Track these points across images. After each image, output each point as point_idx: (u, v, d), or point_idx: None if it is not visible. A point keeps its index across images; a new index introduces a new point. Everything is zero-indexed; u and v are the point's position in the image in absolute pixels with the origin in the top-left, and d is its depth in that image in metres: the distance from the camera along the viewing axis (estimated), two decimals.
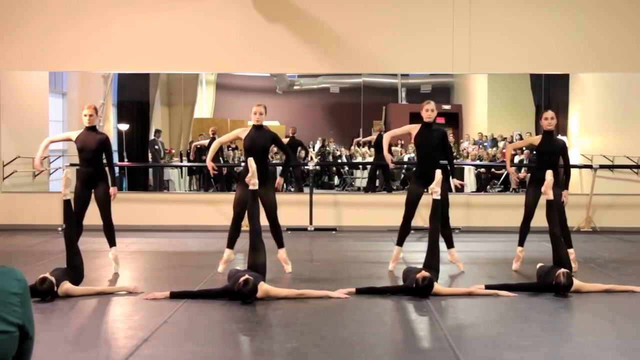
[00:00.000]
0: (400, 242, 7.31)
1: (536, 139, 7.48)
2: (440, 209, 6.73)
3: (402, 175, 16.81)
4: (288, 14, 10.71)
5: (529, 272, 6.87)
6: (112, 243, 7.15)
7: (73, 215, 6.50)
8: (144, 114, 16.00)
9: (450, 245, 7.31)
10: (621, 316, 5.51)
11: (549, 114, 7.39)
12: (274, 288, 5.89)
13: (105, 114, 15.32)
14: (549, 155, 7.28)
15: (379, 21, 10.72)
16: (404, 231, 7.28)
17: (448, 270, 7.11)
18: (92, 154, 6.96)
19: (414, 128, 7.21)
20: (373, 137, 15.54)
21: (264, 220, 6.61)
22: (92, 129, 7.02)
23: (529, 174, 15.59)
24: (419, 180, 7.16)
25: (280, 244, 7.23)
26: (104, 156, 7.13)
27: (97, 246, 8.15)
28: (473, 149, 17.49)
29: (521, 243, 7.49)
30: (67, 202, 6.47)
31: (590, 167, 11.97)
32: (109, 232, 7.13)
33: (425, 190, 6.99)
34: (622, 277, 6.95)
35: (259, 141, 7.04)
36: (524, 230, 7.47)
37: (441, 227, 6.96)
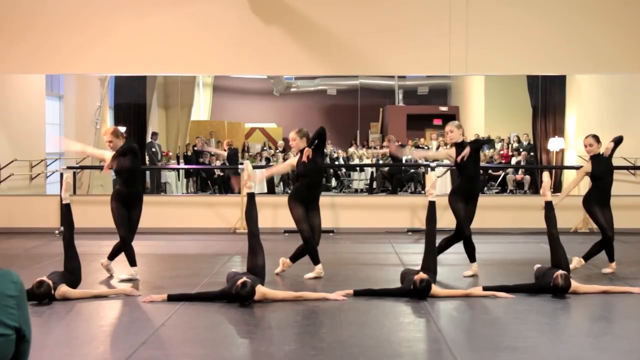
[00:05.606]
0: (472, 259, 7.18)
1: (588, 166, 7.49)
2: (458, 223, 6.95)
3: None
4: (285, 16, 10.71)
5: (527, 274, 6.87)
6: (132, 263, 6.92)
7: (72, 219, 6.48)
8: (141, 116, 15.99)
9: (472, 259, 7.20)
10: (619, 317, 5.52)
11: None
12: (271, 290, 5.89)
13: (102, 117, 15.31)
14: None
15: (376, 23, 10.72)
16: (468, 247, 7.13)
17: (445, 272, 7.11)
18: (127, 173, 6.88)
19: (452, 151, 7.18)
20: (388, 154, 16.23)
21: (262, 223, 6.58)
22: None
23: (526, 176, 15.62)
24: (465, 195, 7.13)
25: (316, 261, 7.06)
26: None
27: (95, 249, 8.14)
28: None
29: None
30: (67, 206, 6.46)
31: None
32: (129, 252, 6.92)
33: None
34: (619, 279, 6.96)
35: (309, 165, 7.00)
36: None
37: (465, 243, 7.06)
